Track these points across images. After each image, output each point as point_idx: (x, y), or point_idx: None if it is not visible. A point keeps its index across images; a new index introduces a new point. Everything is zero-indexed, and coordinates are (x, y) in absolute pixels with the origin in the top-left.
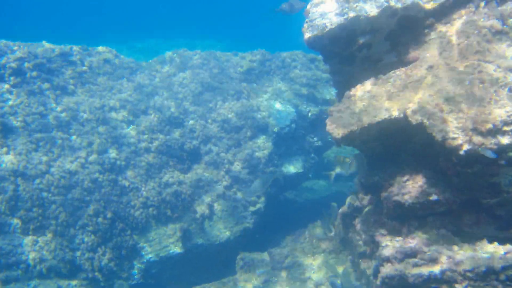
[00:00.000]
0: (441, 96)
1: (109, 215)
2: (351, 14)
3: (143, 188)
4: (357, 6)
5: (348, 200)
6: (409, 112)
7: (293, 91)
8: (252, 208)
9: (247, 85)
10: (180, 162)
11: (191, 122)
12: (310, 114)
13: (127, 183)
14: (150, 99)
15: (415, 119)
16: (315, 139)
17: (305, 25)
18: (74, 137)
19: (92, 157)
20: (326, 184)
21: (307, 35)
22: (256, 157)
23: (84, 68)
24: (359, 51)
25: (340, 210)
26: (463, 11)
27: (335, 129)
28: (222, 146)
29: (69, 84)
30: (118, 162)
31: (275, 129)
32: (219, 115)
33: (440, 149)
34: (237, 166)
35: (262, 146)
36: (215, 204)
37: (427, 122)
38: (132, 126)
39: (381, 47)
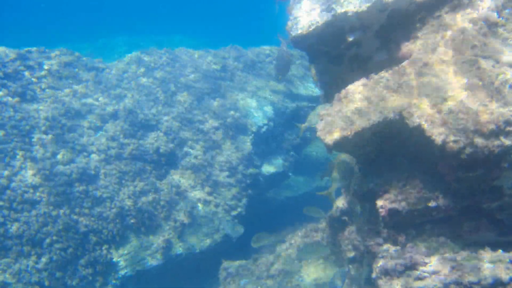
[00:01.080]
0: (439, 96)
1: (82, 229)
2: (339, 10)
3: (117, 198)
4: (344, 1)
5: (336, 203)
6: (405, 113)
7: (269, 88)
8: (233, 212)
9: (222, 83)
10: (156, 168)
11: (166, 124)
12: (288, 110)
13: (99, 194)
14: (120, 102)
15: (412, 121)
16: (294, 136)
17: (289, 23)
18: (37, 147)
19: (58, 168)
20: (305, 180)
21: (292, 34)
22: (235, 158)
23: (43, 72)
24: (348, 50)
25: (328, 214)
26: (456, 3)
27: (327, 135)
28: (200, 149)
29: (27, 90)
30: (88, 171)
31: (253, 129)
32: (195, 116)
33: (439, 152)
34: (215, 169)
35: (241, 147)
36: (195, 211)
37: (425, 125)
38: (100, 132)
39: (371, 44)
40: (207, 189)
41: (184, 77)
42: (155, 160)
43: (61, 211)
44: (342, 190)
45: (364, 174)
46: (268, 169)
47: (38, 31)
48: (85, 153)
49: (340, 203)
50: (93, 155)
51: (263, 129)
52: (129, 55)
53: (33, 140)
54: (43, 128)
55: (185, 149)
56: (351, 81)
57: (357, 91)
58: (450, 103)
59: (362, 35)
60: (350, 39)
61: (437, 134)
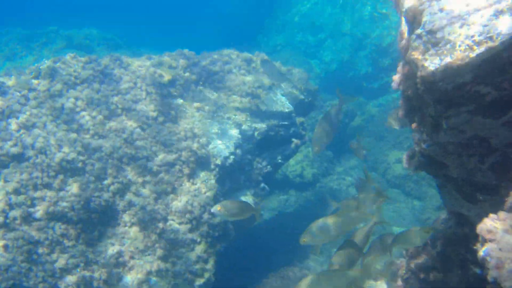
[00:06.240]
0: None
1: None
2: None
3: (26, 284)
4: None
5: None
6: None
7: (232, 104)
8: (199, 281)
9: (172, 101)
10: (86, 229)
11: (97, 165)
12: (256, 133)
13: None
14: (25, 137)
15: None
16: (264, 163)
17: (418, 44)
18: None
19: None
20: (268, 200)
21: (428, 68)
22: (198, 204)
23: None
24: None
25: None
26: None
27: None
28: (149, 195)
29: None
30: None
31: (218, 161)
32: (138, 150)
33: None
34: (173, 222)
35: (204, 187)
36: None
37: None
38: None
39: None
40: (161, 252)
41: (120, 96)
42: (83, 218)
43: None
44: None
45: None
46: None
47: None
48: None
49: None
50: None
51: (230, 160)
52: (37, 65)
53: None
54: None
55: (128, 197)
56: None
57: None
58: None
59: None
60: None
61: None
